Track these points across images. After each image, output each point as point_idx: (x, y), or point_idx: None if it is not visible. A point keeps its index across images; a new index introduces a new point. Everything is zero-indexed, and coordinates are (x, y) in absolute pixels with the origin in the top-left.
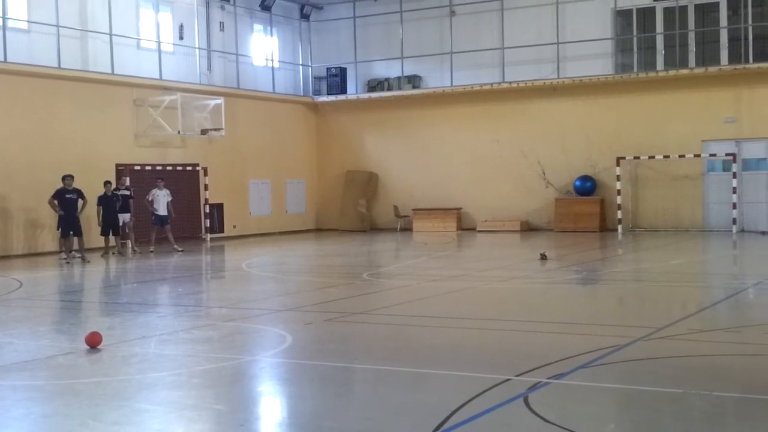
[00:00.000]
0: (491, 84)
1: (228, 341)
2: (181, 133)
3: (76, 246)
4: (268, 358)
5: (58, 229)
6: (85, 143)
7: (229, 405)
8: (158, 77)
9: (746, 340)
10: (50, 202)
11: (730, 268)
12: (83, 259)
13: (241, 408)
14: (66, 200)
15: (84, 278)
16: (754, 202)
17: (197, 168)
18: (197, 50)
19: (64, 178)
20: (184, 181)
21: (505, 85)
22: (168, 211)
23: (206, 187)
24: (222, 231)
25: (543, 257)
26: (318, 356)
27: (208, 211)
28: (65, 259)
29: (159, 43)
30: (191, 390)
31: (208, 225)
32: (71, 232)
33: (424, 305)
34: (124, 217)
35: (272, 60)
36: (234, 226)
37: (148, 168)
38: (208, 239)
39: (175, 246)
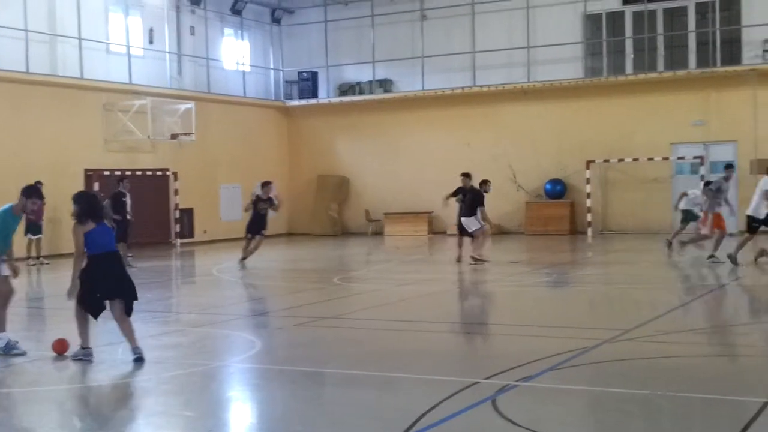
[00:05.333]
0: (462, 88)
1: (197, 347)
2: (150, 137)
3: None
4: (237, 364)
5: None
6: (54, 148)
7: (198, 411)
8: (128, 81)
9: (713, 341)
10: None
11: (698, 270)
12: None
13: (209, 414)
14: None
15: (51, 285)
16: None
17: (167, 173)
18: (167, 54)
19: (263, 185)
20: (153, 186)
21: (476, 89)
22: None
23: (176, 192)
24: (192, 236)
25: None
26: (287, 361)
27: (178, 216)
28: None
29: (129, 47)
30: (159, 396)
31: (178, 230)
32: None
33: (394, 309)
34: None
35: (243, 64)
36: (204, 231)
37: (118, 173)
38: (178, 244)
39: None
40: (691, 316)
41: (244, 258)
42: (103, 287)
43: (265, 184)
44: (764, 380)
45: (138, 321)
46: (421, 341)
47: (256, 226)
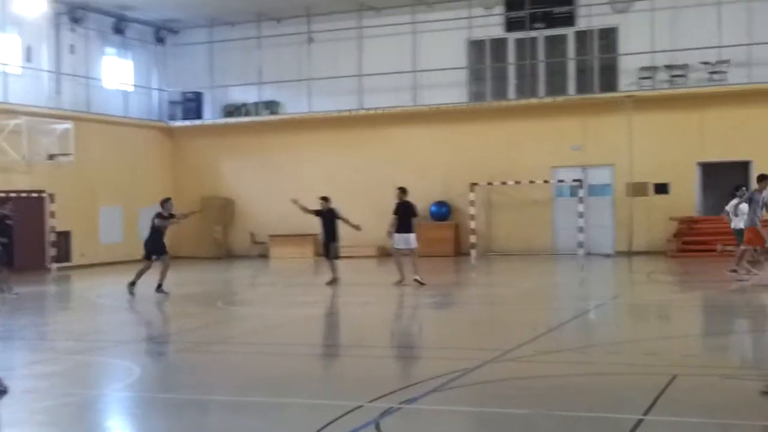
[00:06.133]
0: (350, 111)
1: (73, 375)
2: (26, 158)
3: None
4: (115, 392)
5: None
6: None
7: None
8: (3, 100)
9: (590, 359)
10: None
11: (575, 291)
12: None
13: None
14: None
15: None
16: (599, 226)
17: (43, 194)
18: (45, 73)
19: (162, 202)
20: (28, 208)
21: (363, 112)
22: None
23: (53, 215)
24: (69, 260)
25: None
26: (169, 388)
27: (54, 239)
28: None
29: (4, 65)
30: (31, 427)
31: (54, 254)
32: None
33: (278, 333)
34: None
35: (126, 84)
36: (82, 255)
37: None
38: (54, 269)
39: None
40: (569, 335)
41: (133, 283)
42: None
43: (165, 201)
44: (638, 397)
45: (10, 349)
46: (306, 365)
47: (158, 245)
